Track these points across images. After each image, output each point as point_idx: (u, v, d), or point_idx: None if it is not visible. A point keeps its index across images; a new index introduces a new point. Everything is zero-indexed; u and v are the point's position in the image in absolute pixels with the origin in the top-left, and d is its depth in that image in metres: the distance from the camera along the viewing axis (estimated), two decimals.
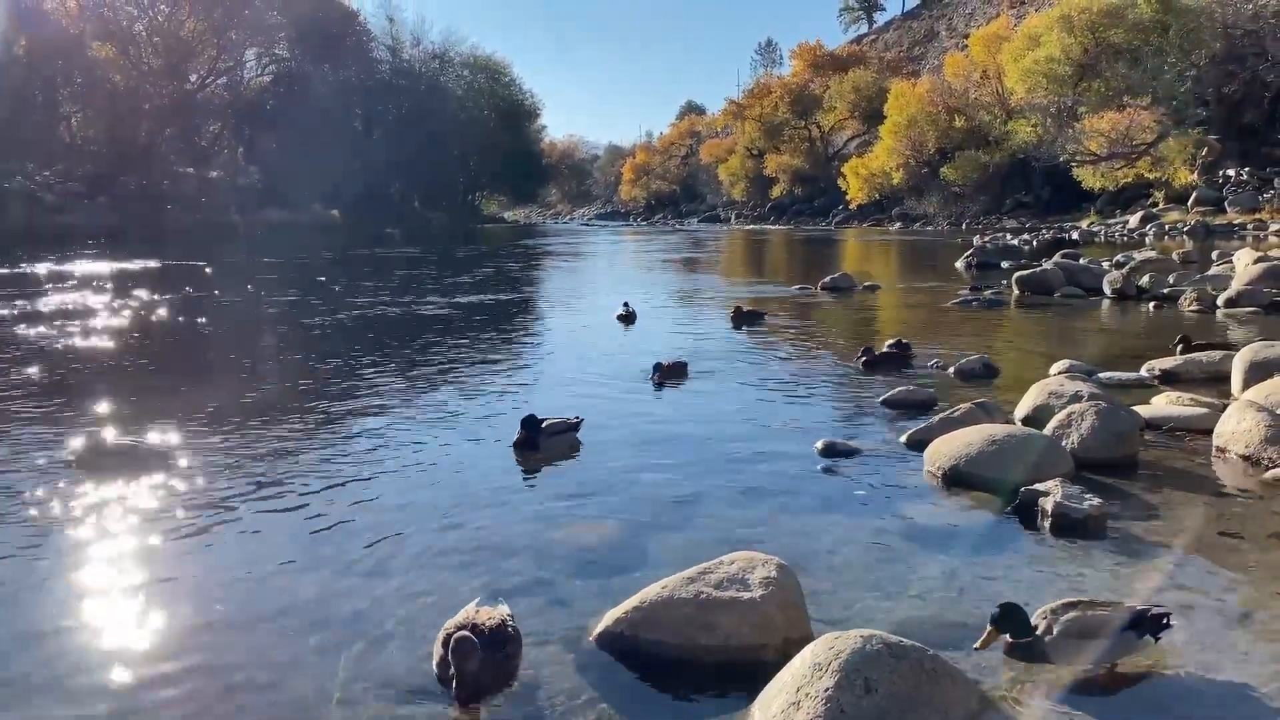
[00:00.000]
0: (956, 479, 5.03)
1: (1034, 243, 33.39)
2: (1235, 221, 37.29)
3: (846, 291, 16.34)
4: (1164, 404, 6.50)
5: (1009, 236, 38.35)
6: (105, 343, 10.39)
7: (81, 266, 21.75)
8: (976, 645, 3.06)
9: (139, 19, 60.25)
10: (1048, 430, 5.49)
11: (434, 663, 3.01)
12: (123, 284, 17.47)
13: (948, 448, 5.21)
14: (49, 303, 14.21)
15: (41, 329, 11.33)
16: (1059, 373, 7.59)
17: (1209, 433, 5.72)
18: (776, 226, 69.36)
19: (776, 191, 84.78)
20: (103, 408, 6.83)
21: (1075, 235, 37.10)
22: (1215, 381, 7.45)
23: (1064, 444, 5.30)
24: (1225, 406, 5.94)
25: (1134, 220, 41.94)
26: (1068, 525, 4.30)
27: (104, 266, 21.79)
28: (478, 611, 3.11)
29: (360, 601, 3.57)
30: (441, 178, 76.87)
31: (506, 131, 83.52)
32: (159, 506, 4.66)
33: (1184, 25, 46.44)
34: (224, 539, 4.26)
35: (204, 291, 16.63)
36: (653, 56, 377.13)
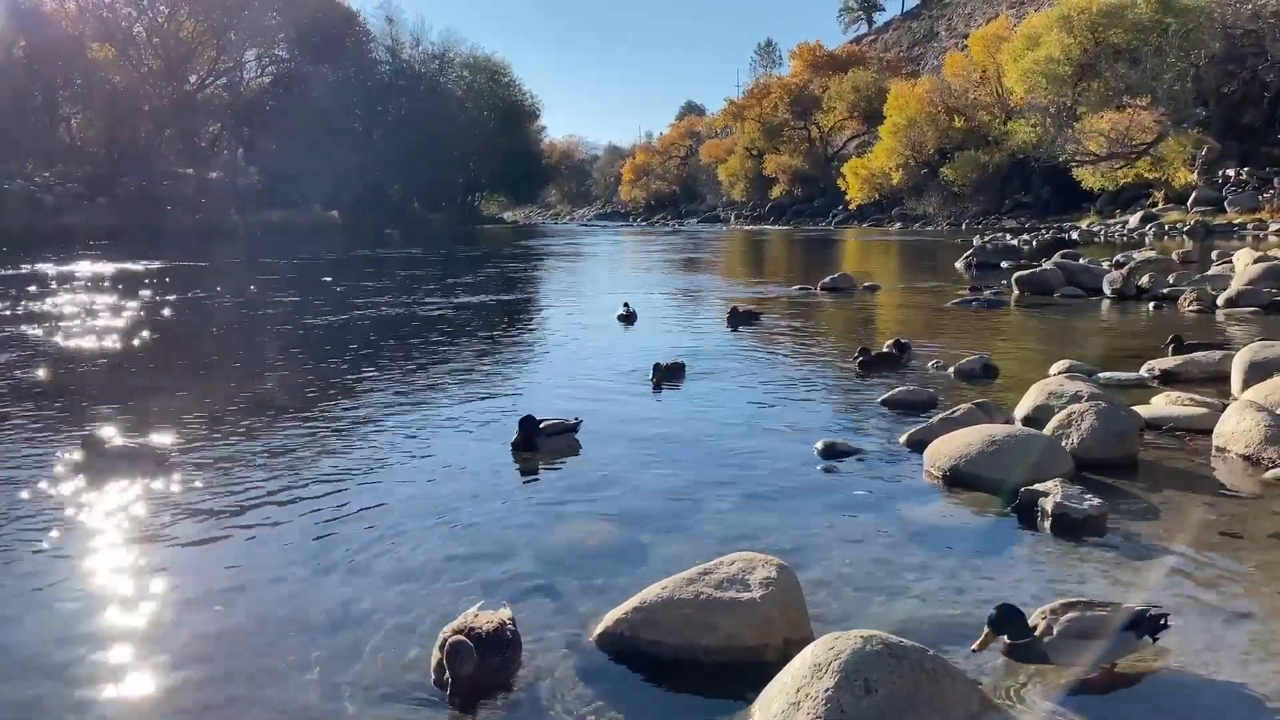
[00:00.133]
0: (956, 479, 5.03)
1: (1033, 243, 33.39)
2: (1235, 221, 37.26)
3: (846, 292, 16.33)
4: (1164, 404, 6.50)
5: (1009, 237, 38.33)
6: (105, 344, 10.39)
7: (82, 267, 21.77)
8: (974, 647, 3.06)
9: (138, 20, 60.32)
10: (1047, 430, 5.49)
11: (432, 666, 3.01)
12: (123, 285, 17.48)
13: (948, 448, 5.21)
14: (49, 304, 14.22)
15: (42, 330, 11.34)
16: (1059, 373, 7.58)
17: (1209, 433, 5.72)
18: (776, 227, 69.38)
19: (776, 192, 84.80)
20: (104, 409, 6.83)
21: (1075, 235, 37.11)
22: (1215, 381, 7.44)
23: (1064, 444, 5.30)
24: (1225, 406, 5.94)
25: (1134, 220, 41.94)
26: (1068, 525, 4.30)
27: (104, 267, 21.81)
28: (477, 615, 3.10)
29: (360, 603, 3.57)
30: (441, 178, 76.97)
31: (506, 132, 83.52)
32: (160, 508, 4.66)
33: (1183, 25, 46.41)
34: (224, 541, 4.27)
35: (205, 292, 16.64)
36: (652, 56, 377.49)
